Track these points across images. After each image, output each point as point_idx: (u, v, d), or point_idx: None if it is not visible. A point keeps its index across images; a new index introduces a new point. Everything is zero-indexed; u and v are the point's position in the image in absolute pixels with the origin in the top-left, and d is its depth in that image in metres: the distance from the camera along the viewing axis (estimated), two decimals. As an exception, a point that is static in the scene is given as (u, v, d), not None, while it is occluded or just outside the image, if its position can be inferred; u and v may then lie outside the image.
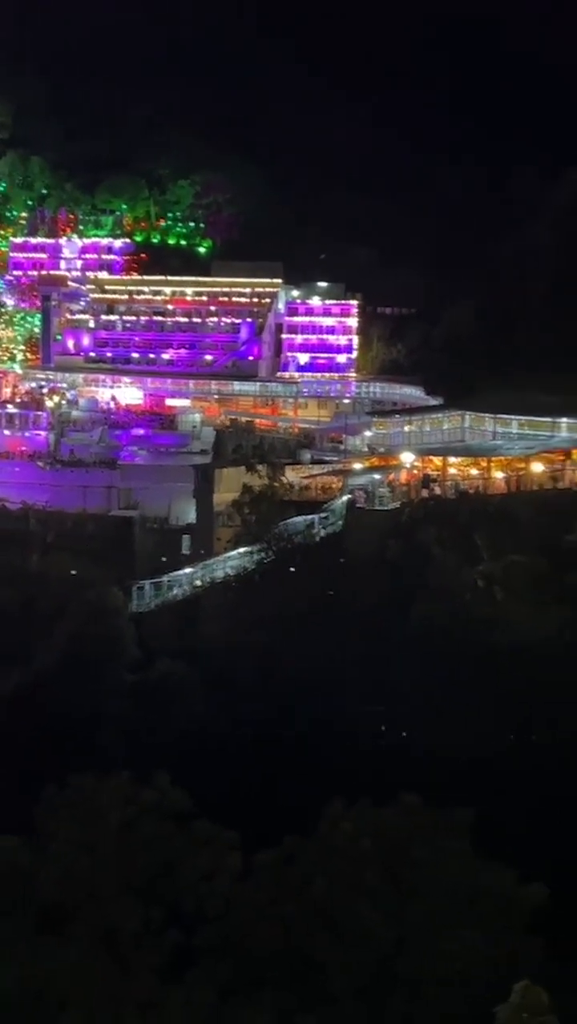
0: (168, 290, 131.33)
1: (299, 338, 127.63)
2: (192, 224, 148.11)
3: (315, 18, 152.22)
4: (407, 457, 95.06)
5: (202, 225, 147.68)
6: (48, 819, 37.80)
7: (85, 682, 68.31)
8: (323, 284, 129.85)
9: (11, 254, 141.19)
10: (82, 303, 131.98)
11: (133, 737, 63.27)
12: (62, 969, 32.78)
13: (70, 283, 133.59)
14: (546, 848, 45.86)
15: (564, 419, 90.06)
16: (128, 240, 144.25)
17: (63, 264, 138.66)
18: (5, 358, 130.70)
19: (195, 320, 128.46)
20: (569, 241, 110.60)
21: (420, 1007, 32.46)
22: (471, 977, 32.23)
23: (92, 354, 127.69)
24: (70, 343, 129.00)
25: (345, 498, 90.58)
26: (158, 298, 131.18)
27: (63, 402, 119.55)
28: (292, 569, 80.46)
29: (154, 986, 32.76)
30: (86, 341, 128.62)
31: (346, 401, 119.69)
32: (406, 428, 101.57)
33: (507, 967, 31.31)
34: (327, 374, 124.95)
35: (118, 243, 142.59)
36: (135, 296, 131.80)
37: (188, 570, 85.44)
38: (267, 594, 77.36)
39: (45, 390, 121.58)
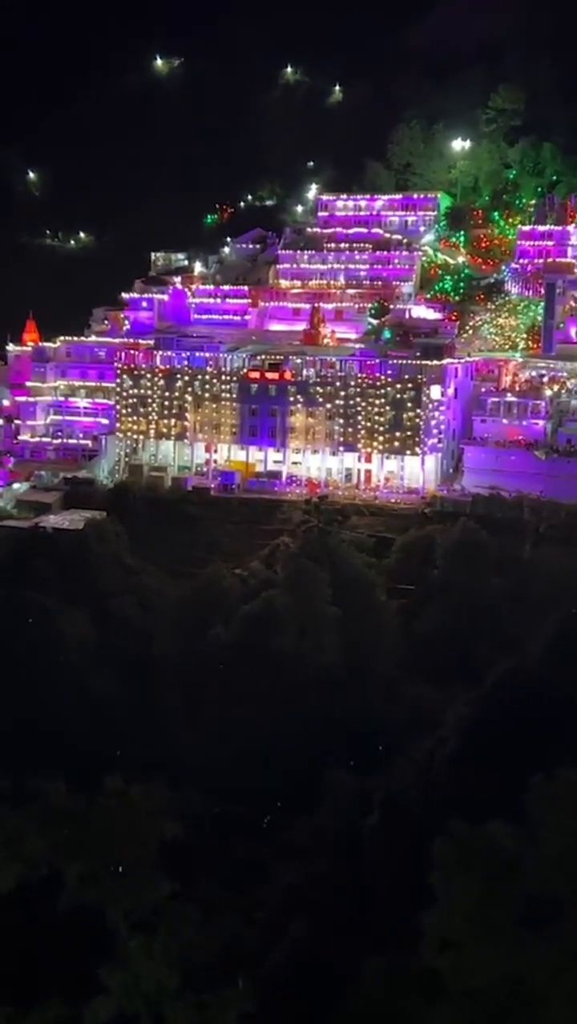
0: None
1: None
2: None
3: None
4: None
5: None
6: (536, 808, 37.16)
7: (573, 673, 66.93)
8: None
9: (518, 242, 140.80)
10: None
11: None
12: (545, 962, 32.14)
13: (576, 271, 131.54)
14: None
15: None
16: None
17: (569, 251, 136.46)
18: (506, 347, 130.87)
19: None
20: None
21: None
22: None
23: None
24: (573, 331, 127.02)
25: None
26: None
27: (563, 391, 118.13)
28: None
29: None
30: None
31: None
32: None
33: None
34: None
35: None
36: None
37: None
38: None
39: (545, 379, 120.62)
